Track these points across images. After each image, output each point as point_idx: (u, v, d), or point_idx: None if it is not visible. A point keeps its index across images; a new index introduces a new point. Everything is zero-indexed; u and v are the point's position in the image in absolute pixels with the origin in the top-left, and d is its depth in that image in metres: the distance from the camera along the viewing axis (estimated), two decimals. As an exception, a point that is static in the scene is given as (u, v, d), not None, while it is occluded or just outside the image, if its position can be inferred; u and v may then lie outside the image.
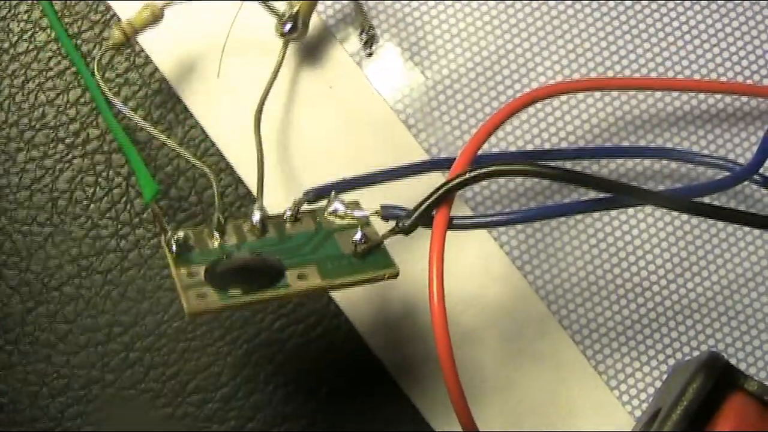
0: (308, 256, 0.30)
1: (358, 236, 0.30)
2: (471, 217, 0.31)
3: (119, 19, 0.38)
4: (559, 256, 0.37)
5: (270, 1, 0.36)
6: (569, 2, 0.39)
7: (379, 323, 0.36)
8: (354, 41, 0.39)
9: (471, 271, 0.36)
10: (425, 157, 0.37)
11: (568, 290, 0.37)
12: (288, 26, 0.35)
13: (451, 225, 0.30)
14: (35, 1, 0.39)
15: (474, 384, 0.36)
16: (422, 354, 0.36)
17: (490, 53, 0.39)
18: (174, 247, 0.30)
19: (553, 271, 0.37)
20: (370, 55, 0.38)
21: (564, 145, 0.38)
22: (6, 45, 0.38)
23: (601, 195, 0.31)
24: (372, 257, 0.30)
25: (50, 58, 0.38)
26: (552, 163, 0.32)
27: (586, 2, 0.39)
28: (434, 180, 0.32)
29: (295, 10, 0.35)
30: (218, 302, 0.28)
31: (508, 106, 0.32)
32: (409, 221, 0.30)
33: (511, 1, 0.39)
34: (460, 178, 0.29)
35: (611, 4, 0.39)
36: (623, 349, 0.37)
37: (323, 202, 0.32)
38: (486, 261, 0.37)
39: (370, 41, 0.38)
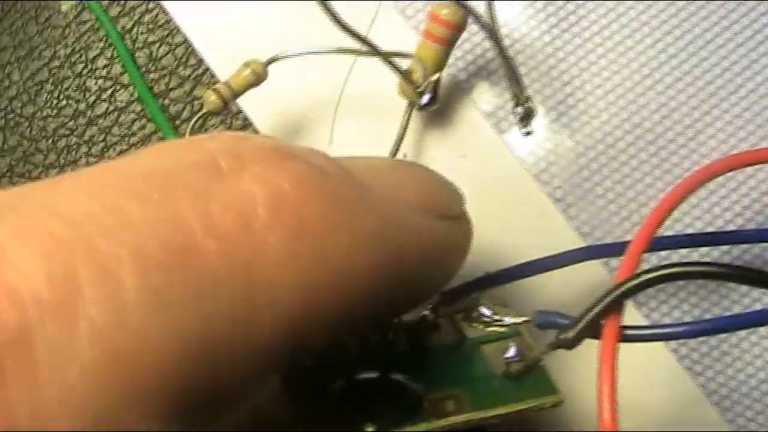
0: (451, 378, 0.27)
1: (511, 352, 0.28)
2: (647, 328, 0.28)
3: (212, 76, 0.37)
4: (734, 353, 0.35)
5: (392, 58, 0.33)
6: (743, 51, 0.36)
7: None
8: (490, 99, 0.36)
9: (631, 371, 0.33)
10: (575, 236, 0.35)
11: (745, 395, 0.34)
12: (426, 98, 0.33)
13: (623, 337, 0.27)
14: (116, 57, 0.37)
15: None
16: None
17: (650, 113, 0.36)
18: None
19: (727, 372, 0.35)
20: (528, 134, 0.36)
21: (750, 225, 0.35)
22: (83, 106, 0.37)
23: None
24: (529, 379, 0.28)
25: (133, 122, 0.37)
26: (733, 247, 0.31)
27: (764, 50, 0.36)
28: (588, 270, 0.31)
29: (434, 78, 0.33)
30: None
31: (682, 186, 0.29)
32: (574, 333, 0.27)
33: (674, 51, 0.36)
34: (634, 282, 0.26)
35: (796, 52, 0.37)
36: (812, 469, 0.34)
37: (463, 303, 0.30)
38: (648, 360, 0.35)
39: (527, 116, 0.35)
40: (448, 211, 0.26)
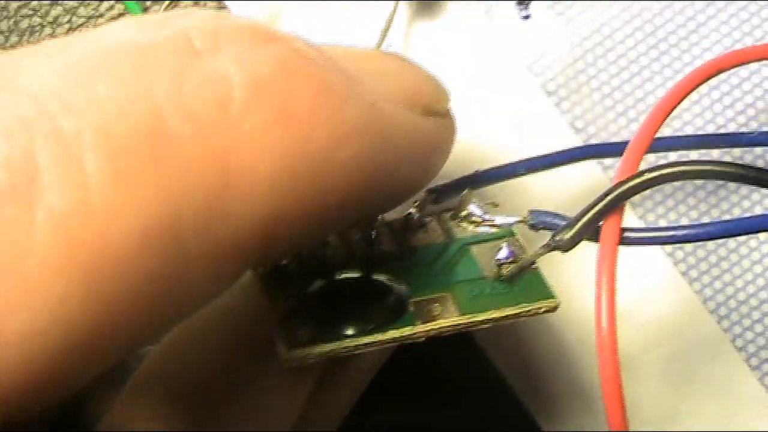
0: (439, 280, 0.27)
1: (504, 253, 0.27)
2: (648, 230, 0.27)
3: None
4: (733, 258, 0.34)
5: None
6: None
7: (515, 353, 0.34)
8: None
9: (626, 277, 0.34)
10: (568, 132, 0.34)
11: (743, 302, 0.34)
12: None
13: (623, 240, 0.26)
14: None
15: (629, 415, 0.33)
16: (565, 388, 0.34)
17: (650, 2, 0.35)
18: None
19: (725, 277, 0.34)
20: (526, 17, 0.35)
21: (753, 125, 0.34)
22: None
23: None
24: (522, 282, 0.27)
25: (101, 2, 0.35)
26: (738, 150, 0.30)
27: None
28: (582, 170, 0.31)
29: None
30: (325, 346, 0.24)
31: (688, 80, 0.28)
32: (571, 233, 0.26)
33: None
34: (638, 180, 0.26)
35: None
36: (811, 378, 0.34)
37: (451, 202, 0.29)
38: (644, 265, 0.34)
39: (526, -1, 0.35)
40: (434, 106, 0.26)
